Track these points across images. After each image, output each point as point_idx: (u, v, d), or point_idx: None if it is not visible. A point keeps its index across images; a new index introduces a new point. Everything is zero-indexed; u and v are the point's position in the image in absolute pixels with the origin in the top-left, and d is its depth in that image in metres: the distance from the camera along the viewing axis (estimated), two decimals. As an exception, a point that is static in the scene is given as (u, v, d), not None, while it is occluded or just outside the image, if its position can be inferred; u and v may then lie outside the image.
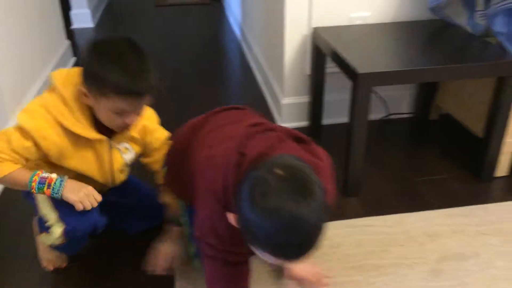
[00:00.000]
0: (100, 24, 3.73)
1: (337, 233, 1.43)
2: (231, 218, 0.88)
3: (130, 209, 1.41)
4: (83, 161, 1.16)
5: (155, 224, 1.38)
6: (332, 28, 1.84)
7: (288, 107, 2.06)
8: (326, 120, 2.05)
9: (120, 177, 1.29)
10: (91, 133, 1.11)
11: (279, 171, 0.79)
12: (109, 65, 1.01)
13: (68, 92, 1.08)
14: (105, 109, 1.06)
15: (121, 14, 4.12)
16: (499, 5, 1.60)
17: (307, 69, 1.99)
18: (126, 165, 1.29)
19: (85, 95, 1.07)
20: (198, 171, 0.99)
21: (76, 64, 2.81)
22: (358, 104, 1.48)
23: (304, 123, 2.08)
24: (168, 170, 1.23)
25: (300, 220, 0.76)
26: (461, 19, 1.80)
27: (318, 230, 0.79)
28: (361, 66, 1.46)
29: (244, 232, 0.82)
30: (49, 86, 1.12)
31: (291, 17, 1.88)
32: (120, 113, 1.07)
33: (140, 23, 3.78)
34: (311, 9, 1.86)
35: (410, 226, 1.46)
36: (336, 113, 2.04)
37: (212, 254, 1.01)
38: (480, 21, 1.72)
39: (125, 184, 1.34)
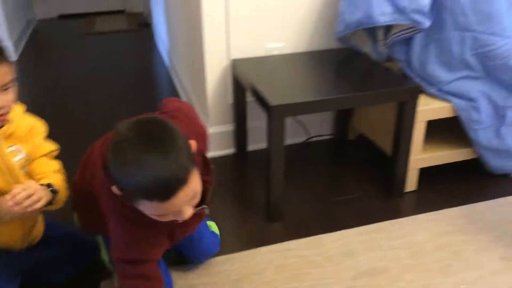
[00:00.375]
0: (25, 54, 3.62)
1: (259, 260, 1.48)
2: (115, 190, 0.91)
3: (55, 258, 1.33)
4: None
5: (87, 264, 1.37)
6: (249, 60, 1.93)
7: (214, 136, 2.11)
8: (252, 146, 2.12)
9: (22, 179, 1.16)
10: None
11: (127, 131, 0.87)
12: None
13: None
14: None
15: (46, 43, 4.02)
16: (395, 36, 1.75)
17: (230, 99, 2.06)
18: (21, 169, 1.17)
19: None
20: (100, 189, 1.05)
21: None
22: (273, 133, 1.55)
23: (230, 151, 2.13)
24: (79, 214, 1.23)
25: (157, 160, 0.84)
26: (366, 47, 1.94)
27: (176, 162, 0.85)
28: (274, 98, 1.54)
29: (124, 195, 0.89)
30: None
31: (210, 49, 1.94)
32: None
33: (66, 52, 3.70)
34: (229, 41, 1.93)
35: (328, 247, 1.55)
36: (260, 139, 2.12)
37: (128, 275, 1.07)
38: (382, 49, 1.88)
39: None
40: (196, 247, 1.40)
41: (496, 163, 1.84)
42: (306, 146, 2.21)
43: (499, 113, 1.74)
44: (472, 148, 1.82)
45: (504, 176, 1.90)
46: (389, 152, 1.82)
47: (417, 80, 1.78)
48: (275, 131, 1.55)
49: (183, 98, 2.75)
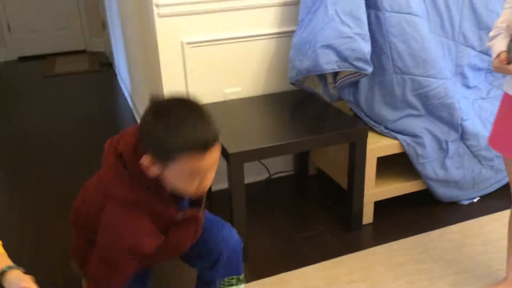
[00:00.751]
0: (-18, 101, 3.59)
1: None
2: (146, 160, 1.01)
3: None
4: None
5: None
6: (208, 105, 2.00)
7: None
8: (214, 187, 2.19)
9: None
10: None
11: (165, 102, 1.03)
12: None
13: None
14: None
15: (5, 87, 4.00)
16: (343, 80, 1.88)
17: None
18: None
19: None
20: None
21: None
22: (233, 176, 1.63)
23: (194, 192, 2.19)
24: (73, 244, 1.30)
25: (190, 109, 1.02)
26: (319, 89, 2.07)
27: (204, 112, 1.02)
28: (233, 145, 1.62)
29: (158, 158, 1.00)
30: None
31: (167, 78, 2.01)
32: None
33: (25, 96, 3.69)
34: (187, 87, 2.02)
35: (290, 285, 1.61)
36: (222, 179, 2.18)
37: None
38: (333, 91, 2.00)
39: None
40: (214, 236, 1.35)
41: (444, 193, 1.98)
42: (268, 183, 2.29)
43: (442, 147, 1.88)
44: (421, 180, 1.95)
45: (452, 203, 2.03)
46: (346, 187, 1.93)
47: (366, 119, 1.91)
48: (235, 175, 1.63)
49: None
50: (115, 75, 4.19)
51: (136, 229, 1.08)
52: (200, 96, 2.03)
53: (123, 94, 3.71)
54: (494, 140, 1.35)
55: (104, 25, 4.56)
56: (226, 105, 2.02)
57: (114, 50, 4.21)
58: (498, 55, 1.20)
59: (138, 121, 3.19)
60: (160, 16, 1.87)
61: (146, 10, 2.04)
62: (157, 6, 1.86)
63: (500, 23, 1.26)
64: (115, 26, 3.76)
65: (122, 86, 3.82)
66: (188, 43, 1.93)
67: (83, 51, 4.99)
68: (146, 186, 1.06)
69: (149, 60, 2.25)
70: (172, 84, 1.99)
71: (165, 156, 1.00)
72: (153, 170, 1.03)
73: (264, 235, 1.90)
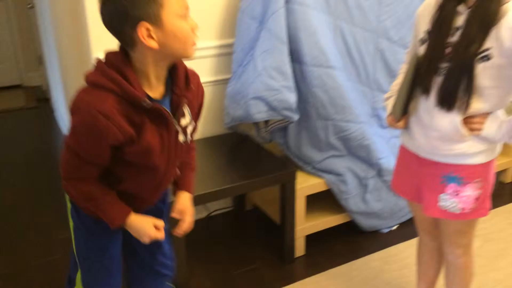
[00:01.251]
0: None
1: None
2: (141, 31, 1.01)
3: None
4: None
5: None
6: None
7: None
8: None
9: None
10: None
11: None
12: None
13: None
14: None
15: None
16: (273, 126, 2.07)
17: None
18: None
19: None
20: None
21: None
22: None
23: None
24: None
25: None
26: (252, 132, 2.24)
27: None
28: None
29: (148, 10, 1.00)
30: None
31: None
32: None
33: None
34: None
35: (231, 320, 1.74)
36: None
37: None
38: (265, 135, 2.18)
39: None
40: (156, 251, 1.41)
41: (366, 223, 2.20)
42: (207, 220, 2.41)
43: (362, 183, 2.10)
44: (347, 213, 2.16)
45: (374, 232, 2.26)
46: (279, 222, 2.09)
47: (295, 160, 2.10)
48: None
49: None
50: (53, 111, 4.15)
51: (94, 102, 1.03)
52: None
53: (60, 131, 3.69)
54: (395, 185, 1.57)
55: (40, 60, 4.51)
56: (165, 150, 2.13)
57: (51, 85, 4.19)
58: (389, 115, 1.41)
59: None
60: (100, 69, 1.97)
61: (85, 62, 2.13)
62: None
63: (394, 86, 1.49)
64: (53, 63, 3.76)
65: (61, 123, 3.80)
66: (128, 93, 2.04)
67: (18, 86, 4.89)
68: (119, 71, 1.05)
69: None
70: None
71: (154, 7, 1.00)
72: (152, 42, 1.02)
73: (203, 272, 2.01)
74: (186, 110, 1.19)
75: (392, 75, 2.23)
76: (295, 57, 1.95)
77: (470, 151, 1.31)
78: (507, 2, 1.18)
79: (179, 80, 1.14)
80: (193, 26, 1.07)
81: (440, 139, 1.32)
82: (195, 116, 1.26)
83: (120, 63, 1.07)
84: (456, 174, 1.33)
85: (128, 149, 1.10)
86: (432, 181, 1.38)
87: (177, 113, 1.15)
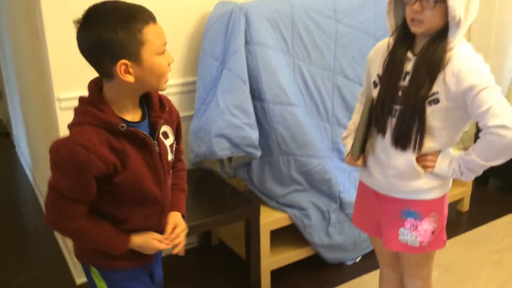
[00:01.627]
0: None
1: None
2: (120, 67, 1.03)
3: None
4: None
5: None
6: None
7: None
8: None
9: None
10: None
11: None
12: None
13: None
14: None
15: None
16: (237, 162, 2.10)
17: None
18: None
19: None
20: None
21: None
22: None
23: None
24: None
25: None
26: (217, 167, 2.26)
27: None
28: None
29: (128, 46, 1.02)
30: None
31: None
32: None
33: None
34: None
35: None
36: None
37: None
38: (229, 170, 2.20)
39: None
40: None
41: (330, 256, 2.23)
42: (174, 257, 2.38)
43: (325, 217, 2.15)
44: (310, 247, 2.19)
45: (339, 264, 2.29)
46: (244, 257, 2.10)
47: (259, 194, 2.13)
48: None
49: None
50: (14, 146, 4.05)
51: (71, 137, 1.04)
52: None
53: (22, 167, 3.60)
54: (356, 220, 1.62)
55: (1, 94, 4.43)
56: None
57: (12, 120, 4.10)
58: (348, 154, 1.48)
59: (40, 199, 3.08)
60: (62, 109, 1.97)
61: (48, 102, 2.12)
62: (59, 100, 1.95)
63: (351, 125, 1.56)
64: (14, 98, 3.70)
65: (22, 159, 3.71)
66: (90, 132, 2.03)
67: (-24, 120, 4.75)
68: (91, 103, 1.07)
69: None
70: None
71: (135, 45, 1.02)
72: (129, 76, 1.04)
73: (170, 313, 1.98)
74: (169, 131, 1.22)
75: (349, 110, 2.32)
76: (256, 95, 2.01)
77: (425, 187, 1.37)
78: (451, 49, 1.27)
79: (154, 104, 1.17)
80: (169, 60, 1.11)
81: (396, 176, 1.38)
82: (177, 138, 1.28)
83: (92, 96, 1.09)
84: (413, 209, 1.39)
85: (117, 179, 1.09)
86: (391, 216, 1.43)
87: (157, 134, 1.17)
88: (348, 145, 1.50)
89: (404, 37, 1.33)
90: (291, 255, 2.17)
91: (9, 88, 3.89)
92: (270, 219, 2.06)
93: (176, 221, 1.29)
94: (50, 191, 1.10)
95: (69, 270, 2.28)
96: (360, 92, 1.60)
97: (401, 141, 1.32)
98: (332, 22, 2.19)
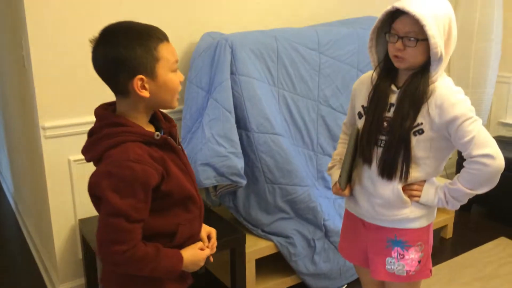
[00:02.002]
0: None
1: None
2: (136, 83, 1.07)
3: None
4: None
5: None
6: (95, 218, 2.08)
7: (64, 292, 2.15)
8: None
9: None
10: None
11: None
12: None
13: None
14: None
15: None
16: (222, 190, 2.10)
17: (79, 253, 2.15)
18: None
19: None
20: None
21: None
22: None
23: (82, 305, 2.18)
24: None
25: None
26: (203, 195, 2.26)
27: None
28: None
29: (143, 63, 1.07)
30: None
31: (56, 210, 2.05)
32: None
33: None
34: (75, 200, 2.08)
35: None
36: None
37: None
38: (214, 198, 2.21)
39: None
40: None
41: (316, 284, 2.22)
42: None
43: (310, 245, 2.16)
44: (295, 275, 2.19)
45: (324, 293, 2.28)
46: (230, 286, 2.08)
47: (245, 223, 2.13)
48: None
49: (31, 247, 2.71)
50: (-5, 172, 4.00)
51: (120, 157, 1.06)
52: (86, 209, 2.10)
53: (3, 193, 3.55)
54: (342, 249, 1.63)
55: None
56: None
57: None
58: (334, 184, 1.50)
59: (20, 225, 3.03)
60: (47, 137, 1.97)
61: (32, 130, 2.12)
62: (44, 128, 1.95)
63: (335, 155, 1.59)
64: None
65: (4, 185, 3.66)
66: (75, 161, 2.03)
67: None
68: (116, 124, 1.10)
69: (35, 174, 2.28)
70: (59, 198, 2.05)
71: (151, 61, 1.07)
72: (145, 92, 1.08)
73: None
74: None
75: (334, 139, 2.36)
76: (242, 124, 2.04)
77: (411, 215, 1.40)
78: (434, 83, 1.32)
79: (160, 119, 1.22)
80: (180, 78, 1.16)
81: (383, 205, 1.41)
82: None
83: (111, 117, 1.12)
84: (400, 237, 1.41)
85: (164, 187, 1.11)
86: (378, 245, 1.45)
87: (178, 140, 1.22)
88: (334, 175, 1.53)
89: (387, 71, 1.39)
90: (276, 283, 2.16)
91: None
92: (256, 248, 2.06)
93: (204, 227, 1.32)
94: (110, 221, 1.07)
95: (50, 301, 2.23)
96: (344, 122, 1.64)
97: (387, 171, 1.36)
98: (316, 53, 2.25)
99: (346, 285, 2.33)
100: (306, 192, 2.12)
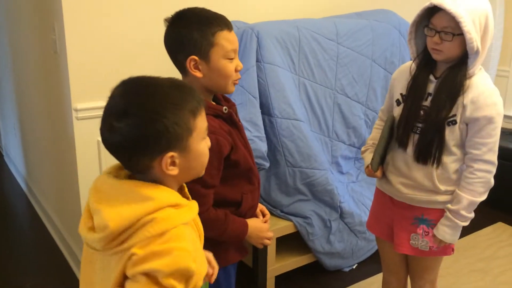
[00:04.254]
0: None
1: None
2: (191, 63, 1.17)
3: None
4: None
5: None
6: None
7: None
8: None
9: None
10: None
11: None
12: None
13: None
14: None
15: None
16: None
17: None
18: None
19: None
20: None
21: None
22: None
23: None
24: None
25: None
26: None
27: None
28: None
29: (201, 45, 1.16)
30: None
31: (85, 190, 2.13)
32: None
33: None
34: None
35: None
36: None
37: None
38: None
39: None
40: None
41: (330, 263, 2.35)
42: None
43: (326, 225, 2.28)
44: (310, 254, 2.31)
45: (337, 271, 2.41)
46: (251, 265, 2.20)
47: (265, 204, 2.24)
48: None
49: (50, 229, 2.79)
50: (1, 156, 4.03)
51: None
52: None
53: (12, 176, 3.59)
54: (369, 224, 1.74)
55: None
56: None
57: (1, 129, 4.09)
58: (367, 167, 1.60)
59: (36, 207, 3.09)
60: (79, 119, 2.04)
61: (62, 112, 2.18)
62: (76, 110, 2.03)
63: (369, 140, 1.68)
64: (6, 110, 3.70)
65: (12, 168, 3.70)
66: (105, 142, 2.10)
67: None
68: None
69: (62, 155, 2.35)
70: (88, 178, 2.13)
71: (206, 45, 1.16)
72: (198, 72, 1.18)
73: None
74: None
75: (348, 126, 2.47)
76: (265, 110, 2.14)
77: (440, 199, 1.50)
78: (471, 77, 1.39)
79: (220, 99, 1.31)
80: (237, 67, 1.24)
81: (415, 187, 1.50)
82: None
83: None
84: (426, 216, 1.52)
85: (233, 156, 1.22)
86: (404, 222, 1.56)
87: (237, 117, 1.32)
88: (366, 158, 1.63)
89: (426, 62, 1.47)
90: (295, 261, 2.28)
91: (0, 97, 3.88)
92: (276, 227, 2.17)
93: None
94: (188, 185, 1.14)
95: (74, 275, 2.32)
96: (381, 109, 1.71)
97: (422, 157, 1.45)
98: (334, 44, 2.35)
99: (356, 265, 2.46)
100: (324, 176, 2.23)
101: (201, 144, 0.93)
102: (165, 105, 0.85)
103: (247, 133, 2.03)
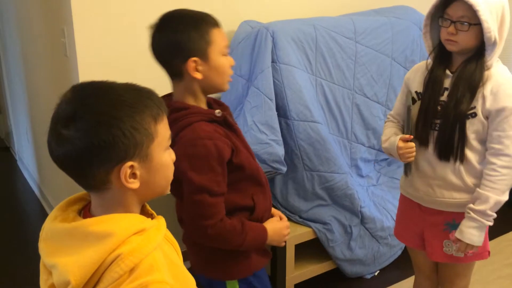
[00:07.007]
0: None
1: None
2: (191, 65, 1.14)
3: None
4: None
5: None
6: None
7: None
8: None
9: None
10: None
11: None
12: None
13: None
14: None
15: None
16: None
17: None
18: None
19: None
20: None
21: None
22: None
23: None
24: None
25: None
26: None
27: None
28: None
29: (198, 46, 1.14)
30: None
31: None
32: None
33: None
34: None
35: None
36: None
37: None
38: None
39: None
40: None
41: (351, 270, 2.27)
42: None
43: (347, 231, 2.19)
44: (331, 261, 2.23)
45: (358, 278, 2.33)
46: (269, 273, 2.12)
47: (282, 209, 2.16)
48: None
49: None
50: (15, 160, 4.02)
51: (192, 136, 1.13)
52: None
53: (25, 181, 3.57)
54: (398, 233, 1.66)
55: (0, 109, 4.39)
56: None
57: (14, 134, 4.07)
58: (401, 137, 1.43)
59: (48, 211, 3.06)
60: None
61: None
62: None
63: (384, 136, 1.56)
64: (18, 112, 3.68)
65: (26, 174, 3.68)
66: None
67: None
68: (182, 108, 1.17)
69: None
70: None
71: (203, 44, 1.14)
72: (198, 74, 1.15)
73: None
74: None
75: (367, 127, 2.38)
76: (282, 112, 2.06)
77: (470, 200, 1.41)
78: (489, 68, 1.34)
79: (212, 103, 1.28)
80: (230, 62, 1.21)
81: (443, 187, 1.43)
82: None
83: (174, 103, 1.18)
84: (458, 221, 1.44)
85: (236, 159, 1.17)
86: (435, 228, 1.48)
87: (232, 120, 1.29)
88: (391, 139, 1.48)
89: (441, 56, 1.42)
90: (314, 269, 2.20)
91: (13, 102, 3.86)
92: (295, 234, 2.09)
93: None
94: (195, 198, 1.13)
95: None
96: (390, 114, 1.64)
97: (444, 153, 1.40)
98: (352, 42, 2.27)
99: (378, 271, 2.37)
100: (344, 180, 2.15)
101: (164, 155, 0.81)
102: (120, 107, 0.74)
103: (263, 137, 1.97)
